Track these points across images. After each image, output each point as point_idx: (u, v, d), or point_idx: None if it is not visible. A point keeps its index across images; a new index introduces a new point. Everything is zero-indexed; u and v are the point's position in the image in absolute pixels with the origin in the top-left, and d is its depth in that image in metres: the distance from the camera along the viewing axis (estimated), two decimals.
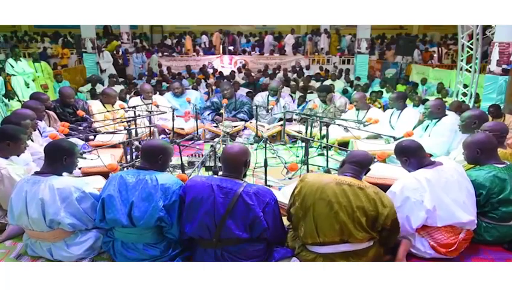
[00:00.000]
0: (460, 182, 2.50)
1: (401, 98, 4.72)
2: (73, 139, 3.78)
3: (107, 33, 15.55)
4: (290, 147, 4.87)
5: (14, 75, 7.45)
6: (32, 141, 3.49)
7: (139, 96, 5.68)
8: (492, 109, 5.46)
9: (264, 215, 2.24)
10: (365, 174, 2.50)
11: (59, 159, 2.47)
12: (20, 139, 2.83)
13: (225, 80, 8.96)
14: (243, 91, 7.81)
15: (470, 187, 2.55)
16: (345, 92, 9.28)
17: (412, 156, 2.61)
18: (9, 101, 6.76)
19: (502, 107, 5.93)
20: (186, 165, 3.84)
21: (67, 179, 2.47)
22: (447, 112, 4.38)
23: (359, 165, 2.41)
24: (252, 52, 14.76)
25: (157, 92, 6.70)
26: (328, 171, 3.55)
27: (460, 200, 2.46)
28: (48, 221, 2.36)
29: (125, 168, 3.31)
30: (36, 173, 2.48)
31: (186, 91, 6.55)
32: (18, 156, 2.91)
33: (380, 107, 6.83)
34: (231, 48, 14.88)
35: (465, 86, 7.97)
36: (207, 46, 14.97)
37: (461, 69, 8.06)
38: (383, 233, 2.32)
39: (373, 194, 2.24)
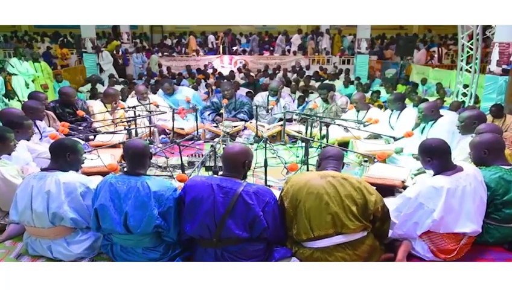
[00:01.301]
0: (476, 191, 2.44)
1: (398, 99, 4.69)
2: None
3: (115, 33, 15.50)
4: (290, 147, 4.87)
5: (16, 74, 7.46)
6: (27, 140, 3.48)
7: (136, 97, 5.67)
8: (494, 108, 5.43)
9: (264, 214, 2.24)
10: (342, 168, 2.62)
11: (62, 155, 2.51)
12: (8, 139, 2.85)
13: (225, 80, 8.95)
14: (242, 91, 7.80)
15: (484, 195, 2.50)
16: (345, 85, 9.47)
17: (438, 158, 2.49)
18: (9, 101, 6.76)
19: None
20: (186, 165, 3.84)
21: (73, 175, 2.51)
22: (446, 111, 4.38)
23: (336, 158, 2.52)
24: (252, 52, 14.76)
25: (157, 92, 6.68)
26: None
27: (470, 211, 2.41)
28: (51, 215, 2.38)
29: (125, 168, 3.31)
30: (43, 169, 2.53)
31: (178, 88, 6.47)
32: (9, 154, 2.92)
33: (380, 107, 6.83)
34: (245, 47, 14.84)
35: (466, 86, 7.97)
36: (214, 46, 14.95)
37: (461, 69, 8.06)
38: (375, 223, 2.33)
39: (357, 183, 2.30)
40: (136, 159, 2.43)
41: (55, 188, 2.37)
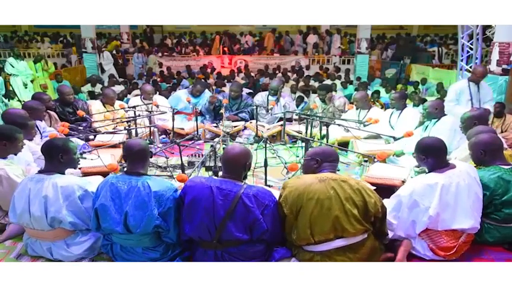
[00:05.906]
0: (470, 187, 2.44)
1: (403, 97, 4.78)
2: (73, 139, 3.78)
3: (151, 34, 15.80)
4: (290, 147, 4.87)
5: (14, 75, 7.46)
6: (30, 140, 3.48)
7: (139, 96, 5.68)
8: (498, 105, 5.46)
9: (263, 217, 2.24)
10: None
11: (55, 157, 2.47)
12: (17, 139, 2.83)
13: (235, 82, 8.94)
14: (242, 91, 7.78)
15: (479, 192, 2.50)
16: (344, 86, 9.44)
17: (433, 156, 2.53)
18: (9, 101, 6.77)
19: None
20: (186, 165, 3.84)
21: (71, 178, 2.48)
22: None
23: (336, 160, 2.48)
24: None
25: (157, 92, 6.69)
26: None
27: (467, 207, 2.42)
28: (50, 219, 2.36)
29: (125, 169, 3.31)
30: (40, 171, 2.49)
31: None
32: (15, 155, 2.91)
33: (381, 107, 6.83)
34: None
35: None
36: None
37: (461, 69, 8.06)
38: (376, 224, 2.32)
39: (356, 185, 2.27)
40: (137, 158, 2.42)
41: (53, 192, 2.34)
